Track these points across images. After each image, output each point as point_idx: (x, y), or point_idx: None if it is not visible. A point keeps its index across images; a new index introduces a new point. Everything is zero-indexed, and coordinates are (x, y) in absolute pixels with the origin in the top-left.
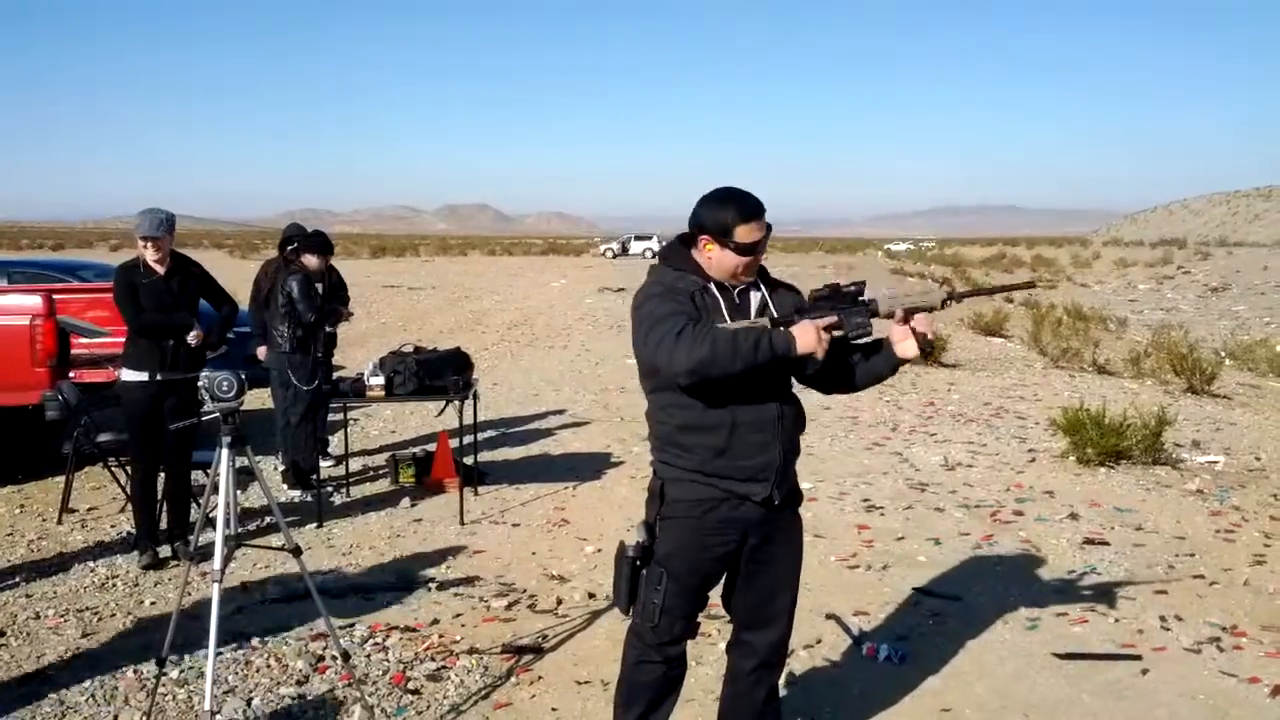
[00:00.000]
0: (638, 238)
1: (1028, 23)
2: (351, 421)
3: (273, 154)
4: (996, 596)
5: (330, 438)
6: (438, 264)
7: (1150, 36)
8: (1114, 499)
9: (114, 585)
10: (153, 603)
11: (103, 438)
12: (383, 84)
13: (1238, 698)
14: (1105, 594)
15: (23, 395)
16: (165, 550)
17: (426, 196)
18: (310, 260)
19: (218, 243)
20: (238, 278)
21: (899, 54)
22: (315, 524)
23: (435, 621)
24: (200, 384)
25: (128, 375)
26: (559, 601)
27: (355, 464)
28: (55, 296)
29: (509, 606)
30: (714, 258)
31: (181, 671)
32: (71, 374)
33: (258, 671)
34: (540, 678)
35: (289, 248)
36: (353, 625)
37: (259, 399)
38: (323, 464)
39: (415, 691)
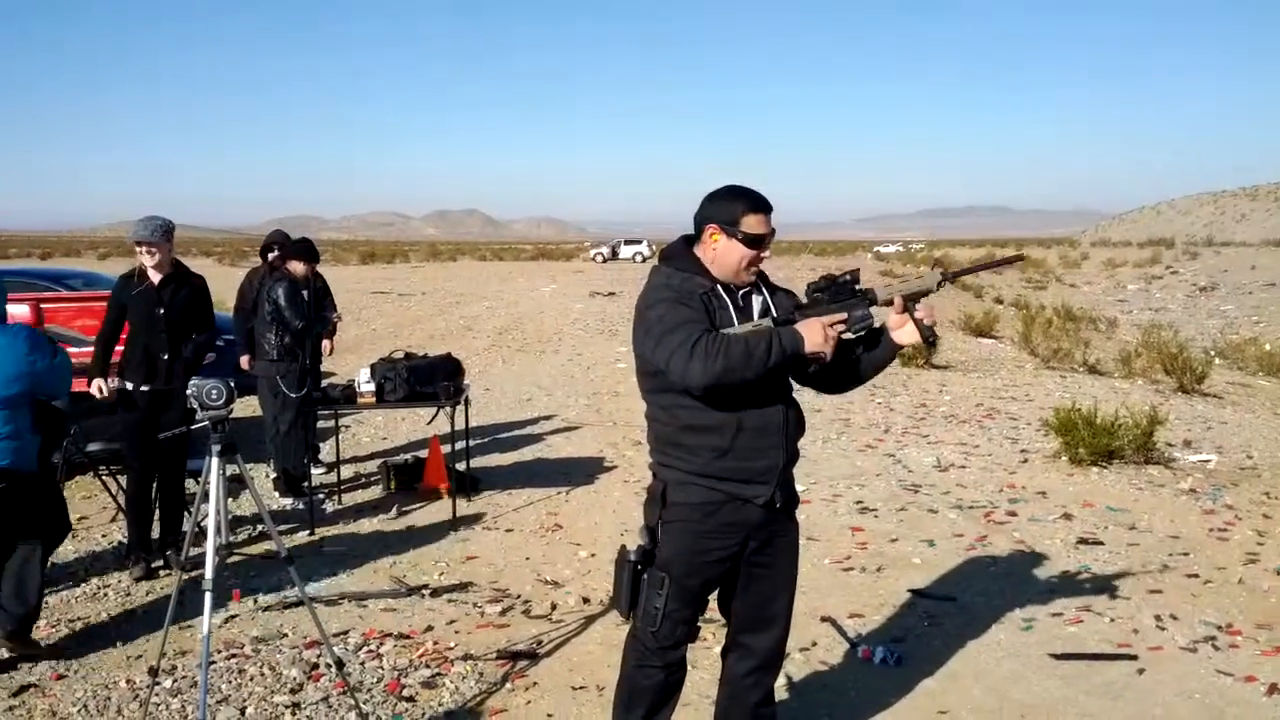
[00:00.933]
0: (627, 242)
1: (1018, 24)
2: (343, 428)
3: (261, 161)
4: (991, 597)
5: (321, 445)
6: (428, 270)
7: (1140, 36)
8: (1107, 499)
9: (105, 595)
10: (145, 612)
11: (92, 447)
12: (373, 89)
13: (1234, 696)
14: (1100, 594)
15: None
16: (158, 560)
17: (416, 202)
18: (296, 267)
19: (206, 250)
20: (225, 286)
21: (890, 54)
22: (307, 531)
23: (429, 628)
24: (189, 392)
25: (127, 384)
26: (553, 607)
27: (347, 471)
28: (43, 306)
29: (503, 612)
30: (719, 250)
31: (174, 681)
32: None
33: (251, 680)
34: (535, 684)
35: (270, 254)
36: (347, 633)
37: (249, 407)
38: (314, 471)
39: (410, 699)
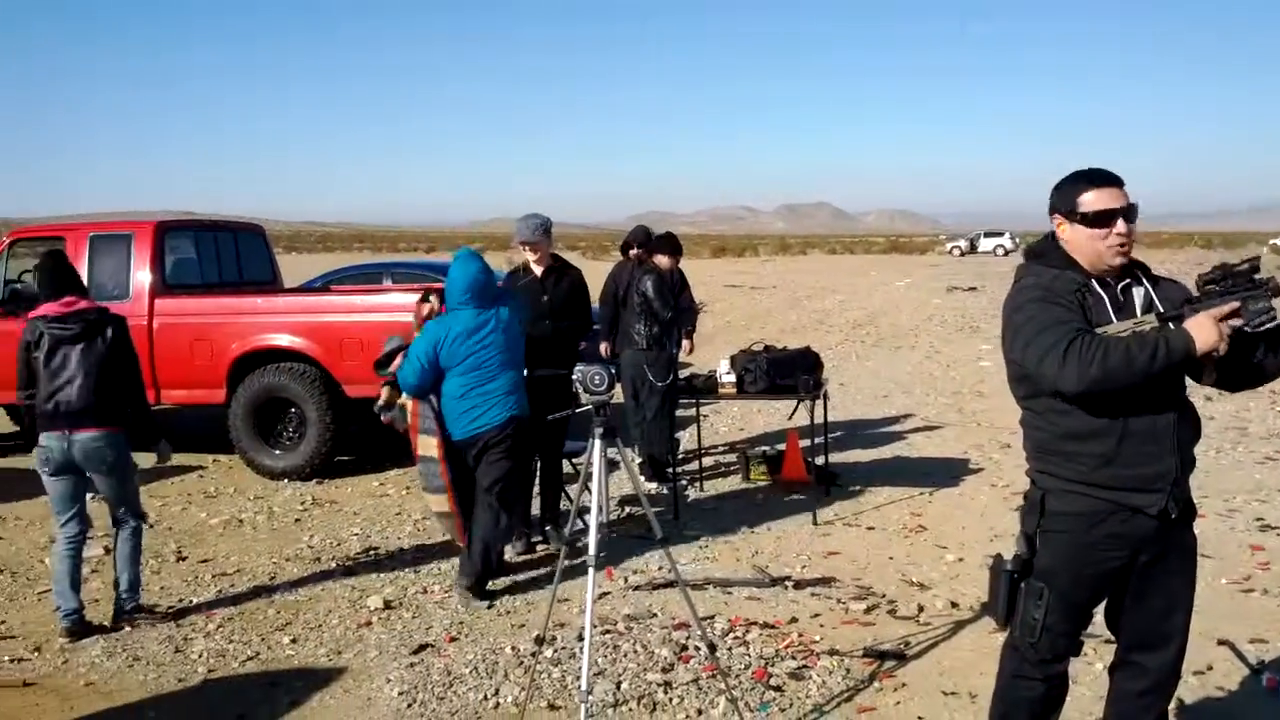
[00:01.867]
0: (987, 234)
1: None
2: (702, 418)
3: (618, 160)
4: None
5: (680, 433)
6: (778, 263)
7: None
8: None
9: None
10: (524, 584)
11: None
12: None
13: None
14: None
15: None
16: (537, 536)
17: (764, 196)
18: (662, 260)
19: (571, 245)
20: (589, 278)
21: None
22: (672, 516)
23: (794, 620)
24: (574, 377)
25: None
26: (920, 609)
27: (706, 460)
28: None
29: (868, 610)
30: (1069, 239)
31: (554, 651)
32: None
33: (625, 656)
34: (904, 685)
35: (631, 250)
36: (713, 618)
37: None
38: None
39: (778, 688)
